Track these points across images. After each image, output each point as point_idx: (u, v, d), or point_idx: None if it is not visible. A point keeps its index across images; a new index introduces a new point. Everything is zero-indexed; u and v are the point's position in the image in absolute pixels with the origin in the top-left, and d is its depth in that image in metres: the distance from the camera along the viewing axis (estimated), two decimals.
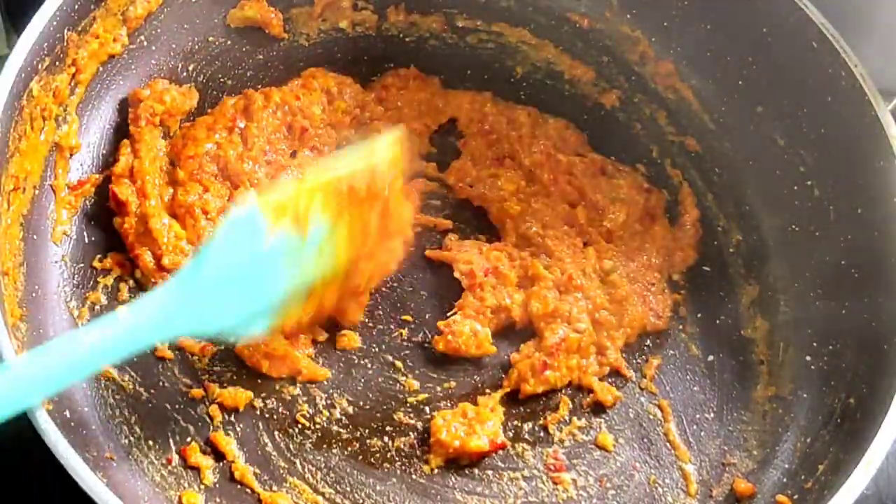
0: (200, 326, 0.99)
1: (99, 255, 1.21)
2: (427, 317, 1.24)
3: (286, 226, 1.01)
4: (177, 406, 1.14)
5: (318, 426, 1.15)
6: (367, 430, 1.16)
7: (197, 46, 1.35)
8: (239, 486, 1.10)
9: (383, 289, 1.25)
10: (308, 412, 1.16)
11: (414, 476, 1.13)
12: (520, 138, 1.35)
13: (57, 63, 1.16)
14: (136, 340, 0.94)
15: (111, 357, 0.95)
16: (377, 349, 1.22)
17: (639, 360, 1.24)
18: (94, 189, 1.24)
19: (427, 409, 1.18)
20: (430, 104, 1.38)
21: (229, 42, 1.38)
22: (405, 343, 1.22)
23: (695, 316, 1.28)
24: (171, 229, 1.21)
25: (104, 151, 1.27)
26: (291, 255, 1.03)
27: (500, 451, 1.16)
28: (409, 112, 1.37)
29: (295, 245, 1.02)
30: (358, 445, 1.14)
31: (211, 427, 1.13)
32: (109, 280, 1.20)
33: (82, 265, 1.20)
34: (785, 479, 1.13)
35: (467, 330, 1.21)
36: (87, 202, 1.24)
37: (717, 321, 1.28)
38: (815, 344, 1.22)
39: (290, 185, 1.05)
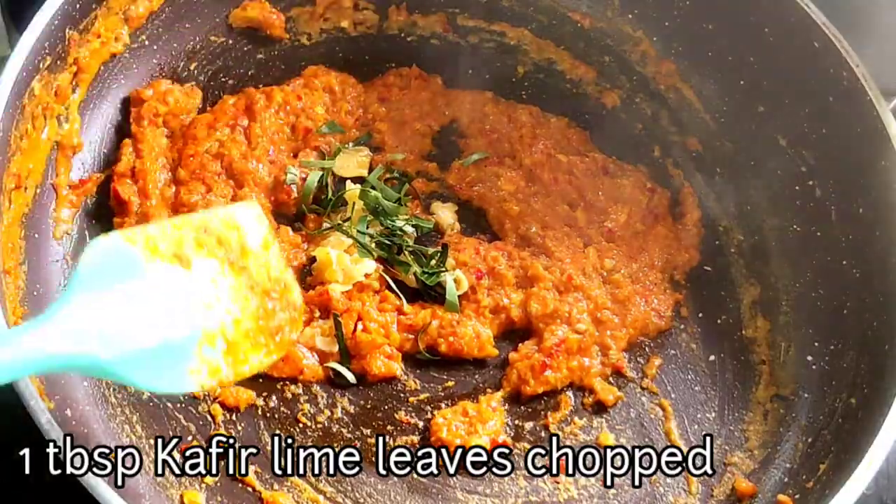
0: (103, 356, 0.85)
1: None
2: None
3: (165, 258, 0.93)
4: (178, 405, 1.14)
5: (319, 425, 1.15)
6: (368, 430, 1.16)
7: (198, 45, 1.36)
8: (240, 485, 1.10)
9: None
10: (309, 411, 1.16)
11: (414, 475, 1.13)
12: (521, 138, 1.35)
13: (58, 62, 1.16)
14: (30, 364, 0.82)
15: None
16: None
17: (640, 360, 1.24)
18: (96, 188, 1.24)
19: (428, 408, 1.18)
20: (431, 104, 1.38)
21: (231, 41, 1.38)
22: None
23: (696, 316, 1.28)
24: None
25: (106, 150, 1.27)
26: (181, 290, 0.93)
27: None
28: (411, 112, 1.37)
29: (181, 278, 0.94)
30: (359, 444, 1.14)
31: (212, 426, 1.13)
32: None
33: None
34: (786, 479, 1.13)
35: (470, 331, 1.21)
36: (89, 201, 1.24)
37: (719, 321, 1.28)
38: (816, 344, 1.23)
39: (154, 223, 1.01)
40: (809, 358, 1.22)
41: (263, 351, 0.98)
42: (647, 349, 1.25)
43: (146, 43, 1.30)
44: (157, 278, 0.91)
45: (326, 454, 1.12)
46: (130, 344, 0.87)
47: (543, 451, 1.16)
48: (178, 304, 0.92)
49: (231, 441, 1.12)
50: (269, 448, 1.13)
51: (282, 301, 1.00)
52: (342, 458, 1.12)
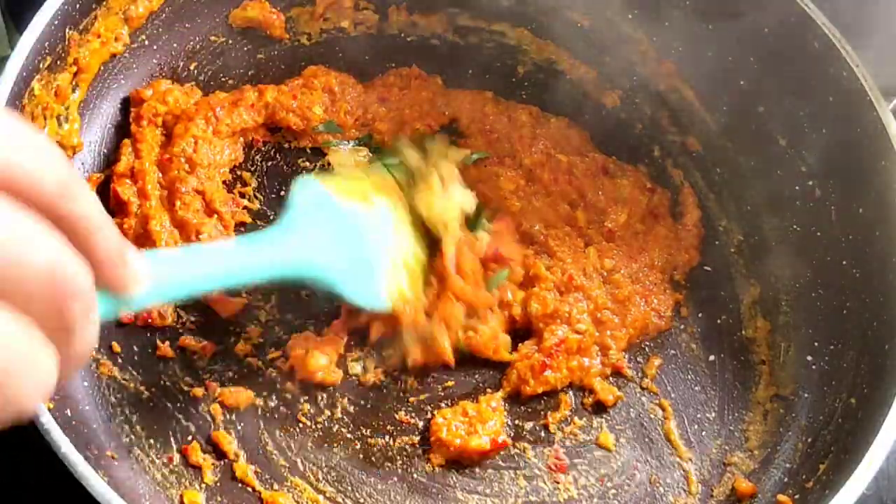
0: (312, 264, 1.06)
1: None
2: None
3: (353, 198, 1.15)
4: (178, 405, 1.14)
5: (319, 425, 1.15)
6: (368, 430, 1.16)
7: (198, 45, 1.36)
8: (240, 485, 1.10)
9: None
10: (309, 411, 1.16)
11: (415, 475, 1.13)
12: (521, 138, 1.35)
13: (58, 62, 1.16)
14: (258, 268, 1.02)
15: (230, 279, 1.00)
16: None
17: (640, 360, 1.24)
18: (96, 188, 1.24)
19: (428, 408, 1.18)
20: (431, 104, 1.38)
21: (231, 41, 1.38)
22: None
23: (696, 316, 1.28)
24: (171, 234, 1.21)
25: (106, 150, 1.27)
26: (369, 222, 1.15)
27: (502, 451, 1.16)
28: (411, 113, 1.37)
29: (367, 213, 1.15)
30: (359, 444, 1.14)
31: (212, 426, 1.13)
32: None
33: None
34: (786, 479, 1.13)
35: (488, 331, 1.20)
36: None
37: (719, 321, 1.28)
38: (816, 344, 1.23)
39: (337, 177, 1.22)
40: (809, 358, 1.22)
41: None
42: (647, 349, 1.25)
43: (146, 43, 1.31)
44: (348, 212, 1.13)
45: (327, 454, 1.12)
46: (338, 259, 1.09)
47: (543, 451, 1.16)
48: (369, 232, 1.15)
49: (231, 441, 1.12)
50: (269, 448, 1.13)
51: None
52: (342, 458, 1.12)
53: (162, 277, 0.83)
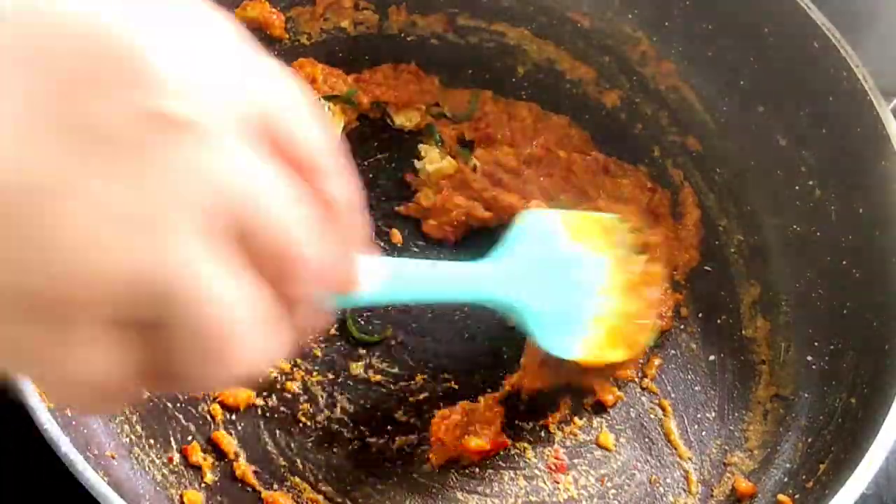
0: (525, 299, 1.03)
1: None
2: (429, 316, 1.24)
3: (580, 240, 1.12)
4: (178, 405, 1.14)
5: (318, 425, 1.15)
6: (367, 429, 1.16)
7: None
8: (240, 485, 1.10)
9: None
10: (309, 411, 1.16)
11: (414, 475, 1.13)
12: (522, 129, 1.35)
13: None
14: (479, 289, 1.02)
15: (452, 294, 1.02)
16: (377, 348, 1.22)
17: (640, 360, 1.24)
18: None
19: (428, 408, 1.18)
20: (419, 96, 1.37)
21: None
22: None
23: (696, 316, 1.28)
24: None
25: None
26: (586, 270, 1.12)
27: (501, 451, 1.16)
28: (396, 100, 1.36)
29: (587, 260, 1.12)
30: (358, 444, 1.14)
31: (212, 426, 1.13)
32: None
33: None
34: (786, 479, 1.13)
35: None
36: None
37: (719, 321, 1.28)
38: (816, 344, 1.23)
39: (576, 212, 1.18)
40: (809, 358, 1.22)
41: (622, 350, 1.15)
42: (647, 349, 1.25)
43: None
44: (572, 253, 1.10)
45: (326, 454, 1.12)
46: (547, 302, 1.04)
47: (543, 451, 1.16)
48: (585, 280, 1.11)
49: (231, 441, 1.12)
50: (269, 448, 1.13)
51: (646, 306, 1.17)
52: (342, 457, 1.12)
53: (375, 283, 0.81)
